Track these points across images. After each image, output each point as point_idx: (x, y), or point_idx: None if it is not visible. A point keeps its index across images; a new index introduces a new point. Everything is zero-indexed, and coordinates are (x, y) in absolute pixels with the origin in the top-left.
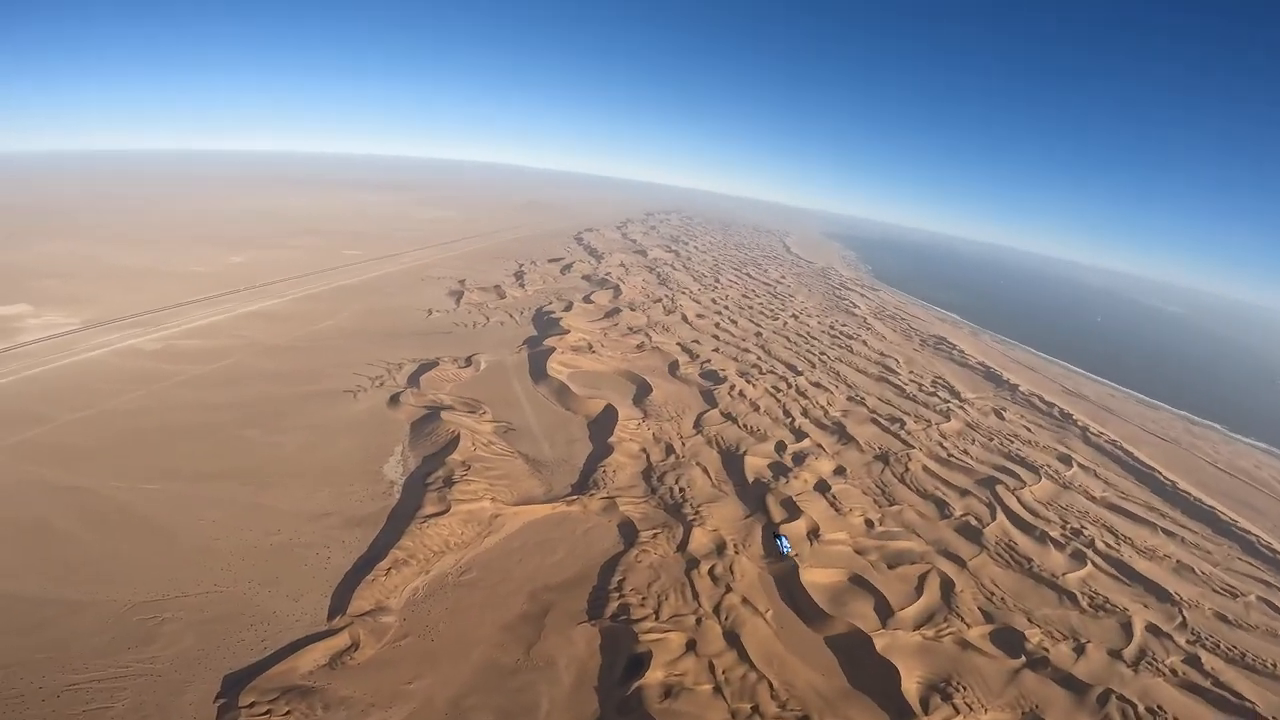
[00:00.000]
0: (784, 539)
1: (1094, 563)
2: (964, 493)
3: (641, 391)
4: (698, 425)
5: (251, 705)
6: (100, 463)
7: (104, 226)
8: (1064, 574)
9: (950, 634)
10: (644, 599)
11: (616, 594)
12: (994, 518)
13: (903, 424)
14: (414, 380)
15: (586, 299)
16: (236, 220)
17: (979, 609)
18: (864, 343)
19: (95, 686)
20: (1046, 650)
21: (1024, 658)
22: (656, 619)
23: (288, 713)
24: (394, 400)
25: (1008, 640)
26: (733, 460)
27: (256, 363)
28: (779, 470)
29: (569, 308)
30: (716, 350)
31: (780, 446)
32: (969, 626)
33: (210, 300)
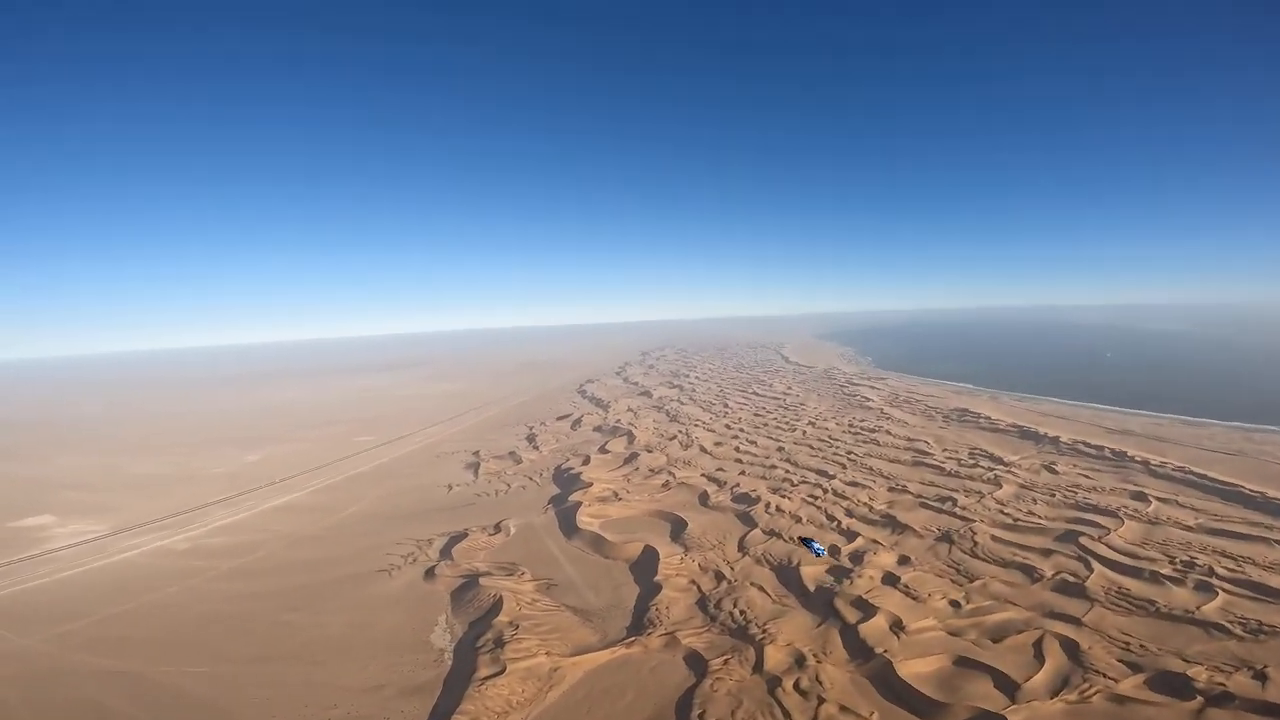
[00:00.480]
0: (813, 542)
1: (1224, 590)
2: (1047, 553)
3: (677, 527)
4: (742, 548)
5: None
6: (145, 649)
7: (120, 436)
8: (1198, 607)
9: (1098, 692)
10: None
11: None
12: (1090, 569)
13: (954, 501)
14: (446, 553)
15: (602, 450)
16: (246, 418)
17: (1119, 661)
18: (888, 432)
19: None
20: (1223, 684)
21: (1200, 697)
22: None
23: None
24: (429, 574)
25: (1170, 684)
26: (788, 574)
27: (288, 553)
28: (839, 573)
29: (587, 461)
30: (743, 473)
31: (834, 550)
32: (1117, 681)
33: (232, 500)
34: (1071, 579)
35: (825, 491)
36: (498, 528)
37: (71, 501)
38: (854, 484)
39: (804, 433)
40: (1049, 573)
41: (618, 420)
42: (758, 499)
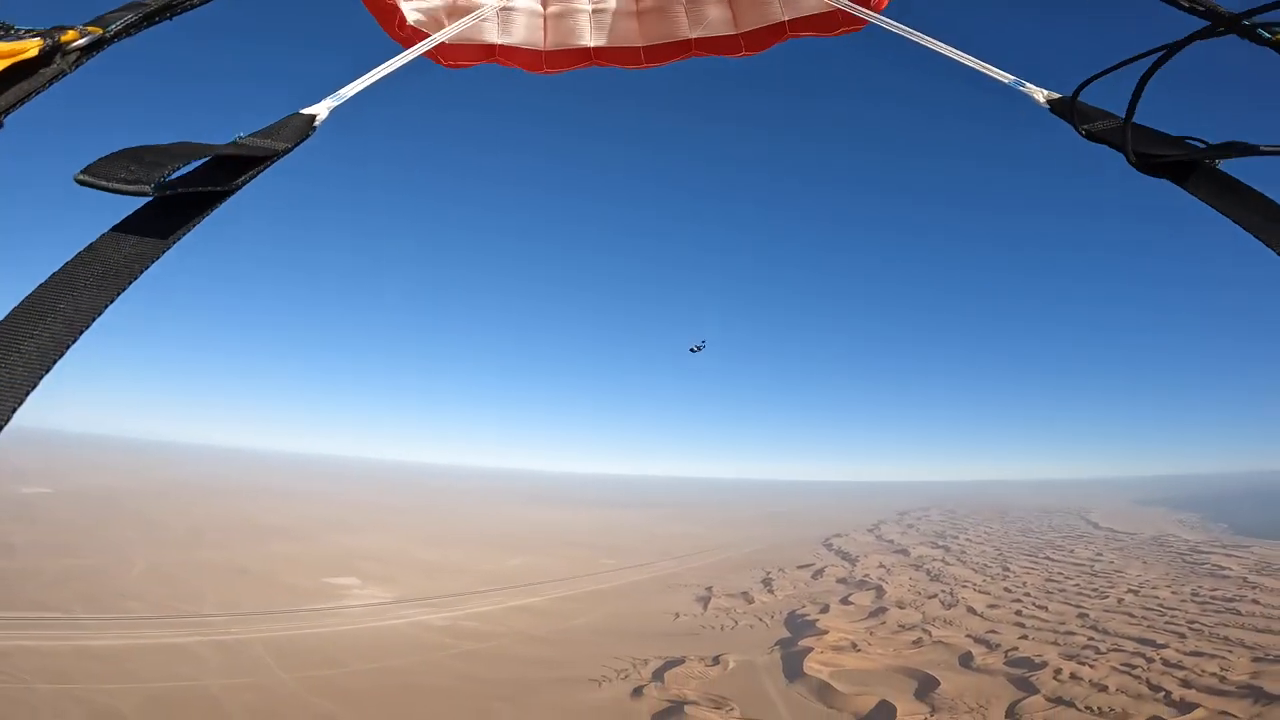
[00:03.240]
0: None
1: None
2: None
3: (925, 686)
4: (1012, 714)
5: None
6: (368, 707)
7: (413, 526)
8: None
9: None
10: None
11: None
12: None
13: None
14: (658, 675)
15: (844, 600)
16: (513, 529)
17: None
18: (1254, 601)
19: None
20: None
21: None
22: None
23: None
24: (637, 692)
25: None
26: None
27: (516, 648)
28: None
29: (825, 609)
30: (1024, 637)
31: None
32: None
33: (487, 593)
34: None
35: (1149, 661)
36: (716, 660)
37: (371, 569)
38: (1196, 653)
39: (1120, 600)
40: None
41: (866, 575)
42: (1043, 664)
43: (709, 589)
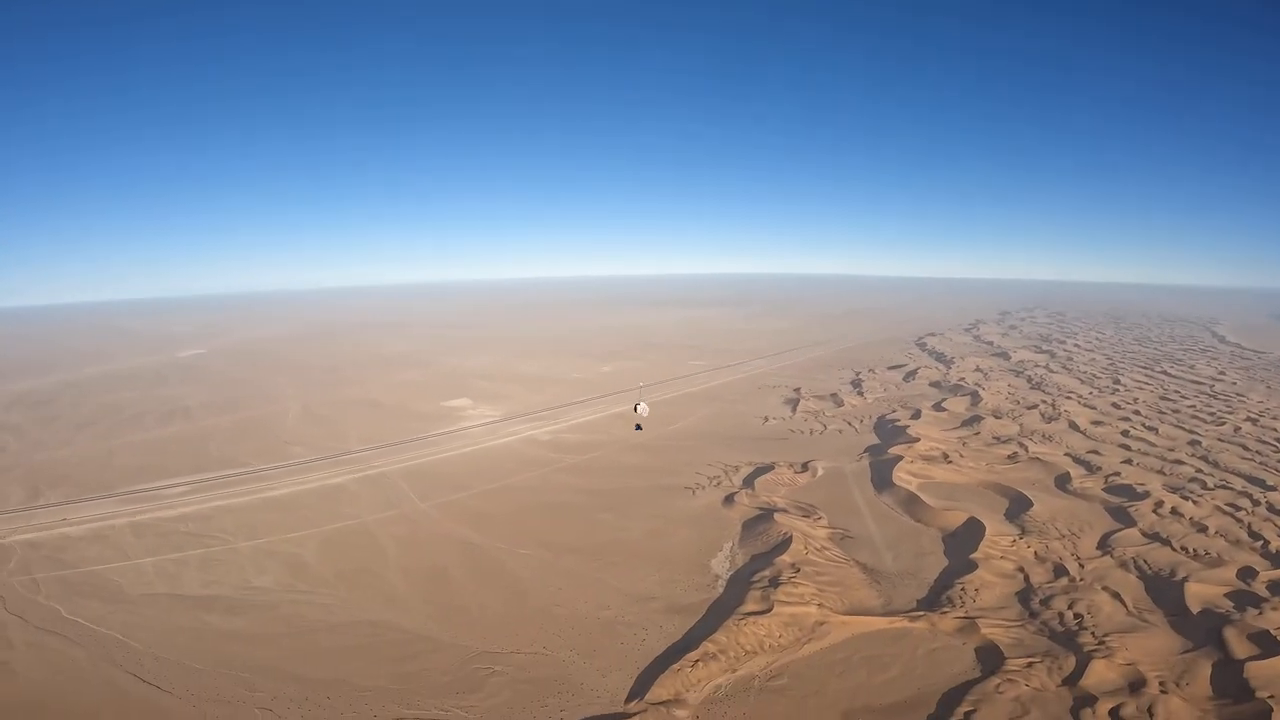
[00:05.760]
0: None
1: None
2: None
3: (1017, 506)
4: (1104, 546)
5: None
6: (494, 527)
7: (512, 342)
8: None
9: None
10: None
11: None
12: None
13: None
14: (749, 482)
15: (937, 406)
16: (601, 336)
17: None
18: None
19: None
20: None
21: None
22: None
23: None
24: (729, 500)
25: None
26: (1163, 587)
27: (618, 457)
28: (1244, 600)
29: (917, 415)
30: (1128, 462)
31: (1247, 573)
32: None
33: (587, 402)
34: None
35: (1256, 504)
36: (805, 467)
37: (480, 388)
38: None
39: (1237, 429)
40: None
41: (961, 379)
42: (1145, 494)
43: (797, 391)
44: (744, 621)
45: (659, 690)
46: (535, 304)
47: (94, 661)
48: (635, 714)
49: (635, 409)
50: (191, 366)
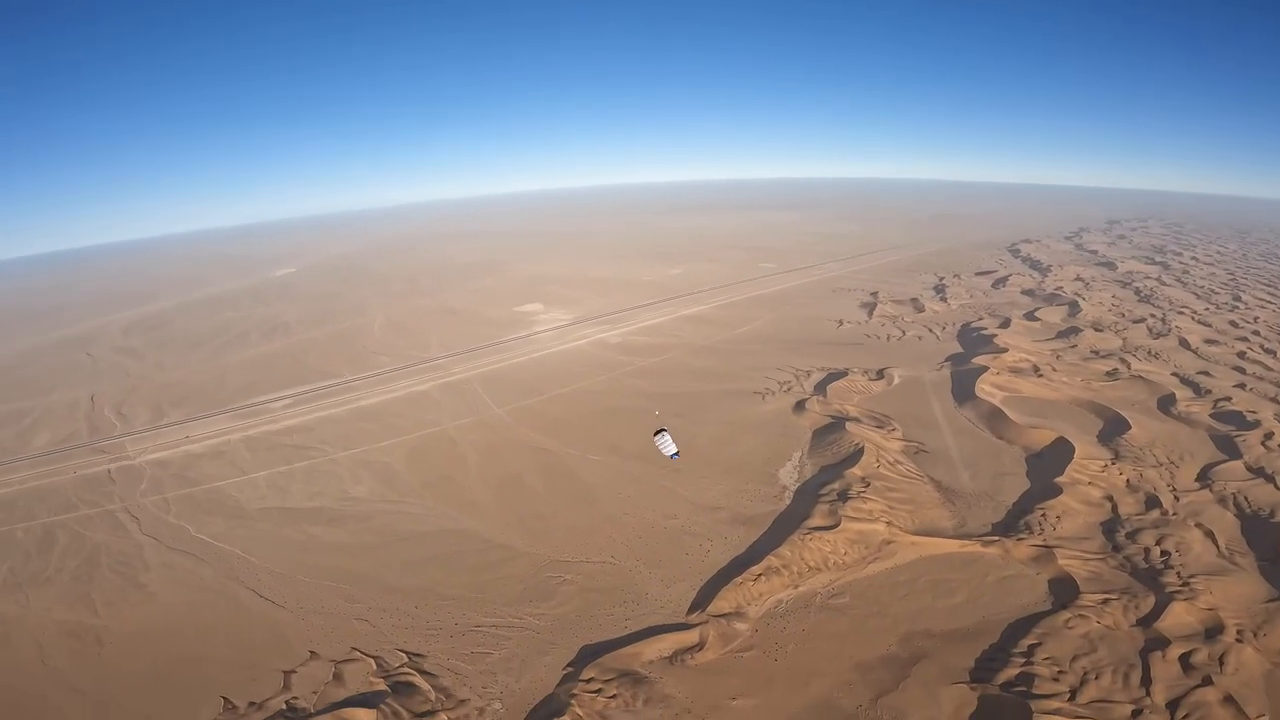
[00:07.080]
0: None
1: None
2: None
3: (1113, 427)
4: (1204, 478)
5: (589, 680)
6: (566, 431)
7: (583, 248)
8: None
9: None
10: (1060, 672)
11: (1022, 659)
12: None
13: None
14: (821, 389)
15: (1029, 316)
16: (670, 239)
17: None
18: None
19: (492, 632)
20: None
21: None
22: (1071, 700)
23: (614, 696)
24: (799, 406)
25: None
26: (1262, 529)
27: (686, 360)
28: None
29: (1005, 324)
30: (1241, 386)
31: None
32: None
33: (655, 305)
34: None
35: None
36: (880, 374)
37: (552, 293)
38: None
39: None
40: None
41: (1059, 287)
42: (1255, 423)
43: (874, 294)
44: (809, 537)
45: (720, 603)
46: (601, 210)
47: (220, 579)
48: (696, 625)
49: (656, 437)
50: (286, 284)
